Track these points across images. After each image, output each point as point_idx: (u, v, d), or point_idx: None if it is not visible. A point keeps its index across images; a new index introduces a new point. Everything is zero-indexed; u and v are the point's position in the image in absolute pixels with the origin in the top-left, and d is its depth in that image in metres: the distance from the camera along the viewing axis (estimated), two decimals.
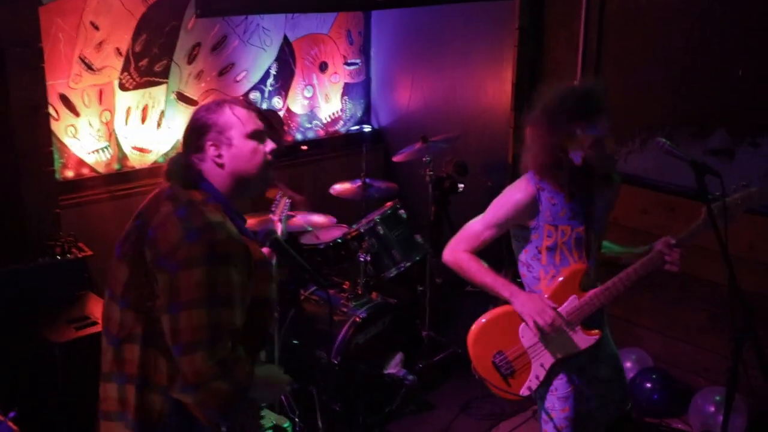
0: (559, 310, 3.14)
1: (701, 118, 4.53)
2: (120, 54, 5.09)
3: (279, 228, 3.18)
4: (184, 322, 2.24)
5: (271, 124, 5.15)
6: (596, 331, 3.20)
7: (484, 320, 3.27)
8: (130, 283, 2.38)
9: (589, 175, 3.05)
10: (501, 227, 3.18)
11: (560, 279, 3.16)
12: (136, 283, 2.36)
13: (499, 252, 3.49)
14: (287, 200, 3.33)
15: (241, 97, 5.59)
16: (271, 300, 2.58)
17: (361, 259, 4.67)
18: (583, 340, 3.19)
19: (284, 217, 3.45)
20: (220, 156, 2.44)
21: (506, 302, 3.20)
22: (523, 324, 3.19)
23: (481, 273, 3.17)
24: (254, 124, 2.49)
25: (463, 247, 3.20)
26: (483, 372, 3.25)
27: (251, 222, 3.05)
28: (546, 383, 3.24)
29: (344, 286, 4.80)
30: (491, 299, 3.34)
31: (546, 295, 3.17)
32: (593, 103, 3.01)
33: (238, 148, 2.45)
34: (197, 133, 2.46)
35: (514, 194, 3.14)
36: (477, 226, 3.20)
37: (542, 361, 3.21)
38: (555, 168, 3.04)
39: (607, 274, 3.22)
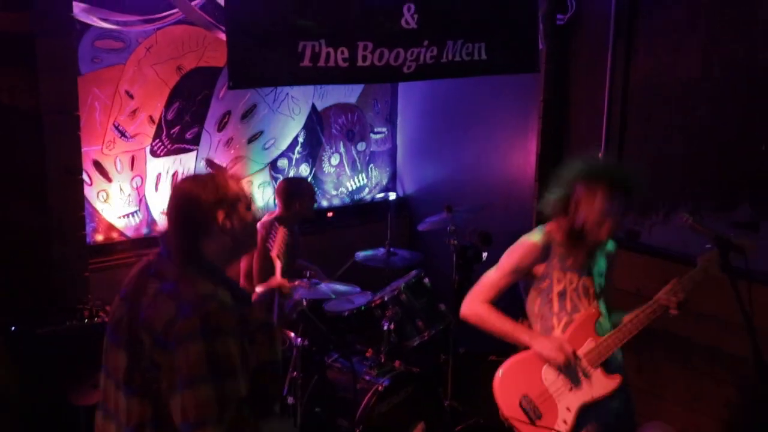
0: (577, 352, 3.26)
1: (725, 192, 4.54)
2: (153, 121, 5.23)
3: (278, 266, 3.16)
4: (190, 400, 2.22)
5: (303, 192, 5.25)
6: (617, 375, 3.30)
7: (507, 365, 3.36)
8: (132, 368, 2.34)
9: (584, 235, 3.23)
10: (515, 273, 3.34)
11: (575, 324, 3.29)
12: (139, 367, 2.32)
13: (514, 308, 3.58)
14: (285, 231, 3.31)
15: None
16: (276, 362, 2.57)
17: (385, 328, 4.68)
18: (605, 384, 3.27)
19: (282, 251, 3.38)
20: (229, 228, 2.46)
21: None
22: (546, 366, 3.28)
23: (500, 322, 3.32)
24: (249, 194, 2.56)
25: (481, 299, 3.35)
26: (512, 417, 3.29)
27: (260, 288, 3.06)
28: (576, 429, 3.29)
29: (367, 354, 4.80)
30: None
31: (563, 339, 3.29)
32: (621, 181, 3.16)
33: (243, 220, 2.51)
34: (204, 208, 2.44)
35: (526, 239, 3.35)
36: (493, 276, 3.37)
37: (567, 404, 3.27)
38: (563, 218, 3.24)
39: None
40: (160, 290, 2.34)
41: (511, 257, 3.34)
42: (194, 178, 2.54)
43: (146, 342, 2.29)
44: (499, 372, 3.35)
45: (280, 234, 3.31)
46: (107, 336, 2.46)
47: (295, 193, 5.26)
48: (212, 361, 2.23)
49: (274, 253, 3.22)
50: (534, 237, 3.33)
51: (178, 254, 2.42)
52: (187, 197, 2.46)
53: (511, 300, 3.47)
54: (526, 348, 3.33)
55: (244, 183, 2.62)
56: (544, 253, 3.30)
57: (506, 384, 3.33)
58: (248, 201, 2.54)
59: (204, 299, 2.29)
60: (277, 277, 3.07)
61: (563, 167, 3.32)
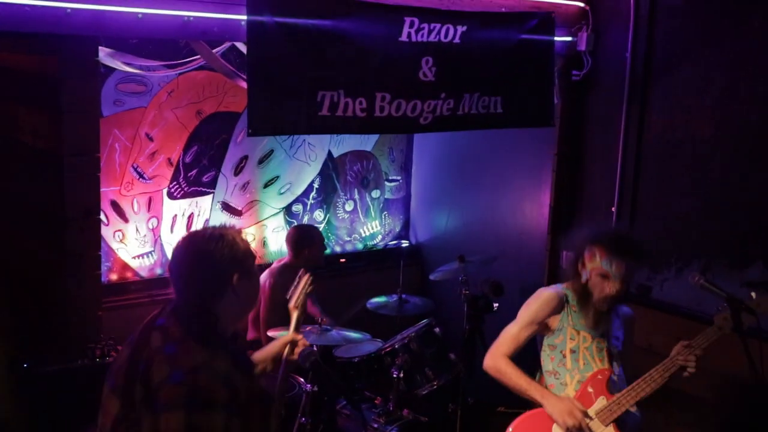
0: (589, 410, 3.29)
1: (738, 250, 4.56)
2: (171, 164, 5.31)
3: (294, 316, 3.11)
4: None
5: (313, 239, 5.29)
6: None
7: (518, 422, 3.41)
8: (121, 418, 2.29)
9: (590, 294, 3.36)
10: (533, 325, 3.46)
11: (586, 382, 3.34)
12: (127, 419, 2.28)
13: (531, 365, 3.63)
14: (307, 282, 3.24)
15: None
16: None
17: (394, 375, 4.68)
18: None
19: (300, 302, 3.31)
20: (242, 287, 2.42)
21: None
22: (555, 425, 3.30)
23: (516, 376, 3.41)
24: (254, 251, 2.53)
25: (503, 351, 3.45)
26: None
27: (276, 344, 3.01)
28: None
29: (376, 402, 4.79)
30: None
31: (575, 397, 3.32)
32: (621, 245, 3.29)
33: (255, 278, 2.53)
34: (220, 267, 2.39)
35: (543, 291, 3.53)
36: (512, 329, 3.48)
37: None
38: (574, 277, 3.40)
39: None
40: (159, 349, 2.29)
41: (529, 309, 3.48)
42: (206, 236, 2.44)
43: (138, 396, 2.25)
44: (510, 429, 3.39)
45: (302, 284, 3.22)
46: (107, 379, 2.42)
47: (305, 241, 5.30)
48: None
49: (292, 305, 3.15)
50: (550, 289, 3.50)
51: (190, 314, 2.37)
52: (202, 255, 2.39)
53: (530, 360, 3.58)
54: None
55: (248, 238, 2.60)
56: (559, 304, 3.43)
57: None
58: (254, 258, 2.52)
59: (196, 369, 2.23)
60: (291, 332, 3.04)
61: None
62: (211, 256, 2.37)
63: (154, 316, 2.43)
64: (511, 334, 3.48)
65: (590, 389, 3.33)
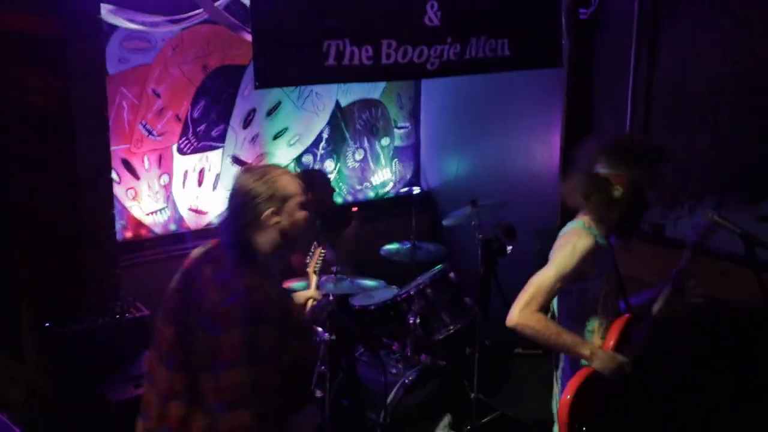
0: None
1: (751, 185, 4.54)
2: (179, 120, 5.30)
3: (314, 281, 3.35)
4: (227, 381, 2.37)
5: (315, 181, 5.30)
6: None
7: (573, 386, 3.12)
8: (176, 342, 2.51)
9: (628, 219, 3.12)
10: (569, 278, 3.07)
11: (616, 332, 3.15)
12: (183, 343, 2.49)
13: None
14: (321, 251, 3.47)
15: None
16: (310, 362, 2.72)
17: (411, 321, 4.72)
18: None
19: (317, 268, 3.55)
20: (278, 223, 2.58)
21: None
22: None
23: (557, 333, 3.05)
24: (304, 193, 2.68)
25: (535, 307, 3.04)
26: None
27: (299, 297, 3.20)
28: None
29: (393, 348, 4.85)
30: (540, 362, 3.32)
31: (611, 348, 3.14)
32: (654, 155, 3.13)
33: (294, 217, 2.62)
34: (255, 202, 2.57)
35: (579, 242, 3.09)
36: (548, 281, 3.06)
37: None
38: (597, 207, 3.11)
39: None
40: (213, 277, 2.50)
41: (567, 261, 3.06)
42: (251, 172, 2.64)
43: (193, 321, 2.46)
44: (568, 397, 3.10)
45: (318, 253, 3.36)
46: (160, 309, 2.62)
47: (307, 184, 5.29)
48: (250, 347, 2.37)
49: (311, 269, 3.33)
50: (585, 238, 3.11)
51: (232, 244, 2.56)
52: (241, 190, 2.59)
53: None
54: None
55: (299, 181, 2.69)
56: (596, 252, 3.10)
57: (574, 412, 3.12)
58: (301, 199, 2.65)
59: (250, 290, 2.43)
60: (312, 290, 3.26)
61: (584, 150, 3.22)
62: (249, 190, 2.57)
63: (206, 251, 2.64)
64: (547, 287, 3.05)
65: (621, 338, 3.14)
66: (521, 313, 3.03)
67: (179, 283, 2.62)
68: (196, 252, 2.68)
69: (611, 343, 3.15)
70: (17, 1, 3.93)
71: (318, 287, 3.32)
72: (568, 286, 3.12)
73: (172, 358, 2.52)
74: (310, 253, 3.46)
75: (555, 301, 3.24)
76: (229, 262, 2.52)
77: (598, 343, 3.16)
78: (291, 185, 2.64)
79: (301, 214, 2.65)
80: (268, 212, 2.56)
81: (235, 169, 5.62)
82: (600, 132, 5.36)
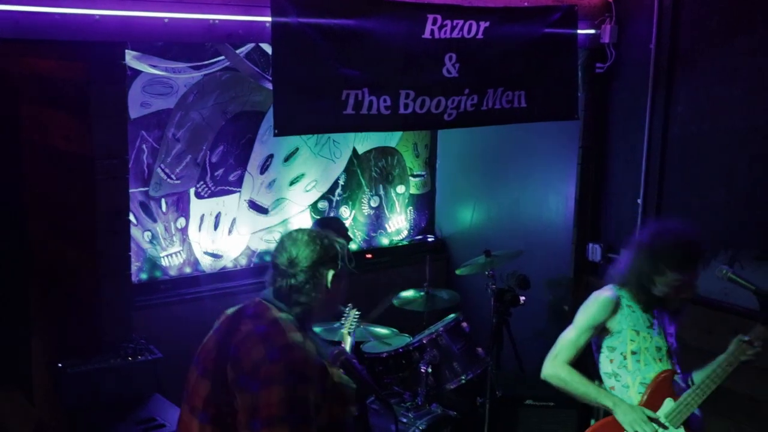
0: (658, 413, 3.27)
1: (766, 240, 4.53)
2: (198, 164, 5.36)
3: (349, 342, 3.35)
4: None
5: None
6: None
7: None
8: (212, 398, 2.49)
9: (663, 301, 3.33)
10: (591, 330, 3.38)
11: (653, 385, 3.29)
12: (218, 399, 2.47)
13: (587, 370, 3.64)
14: (356, 312, 3.49)
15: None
16: (348, 423, 2.67)
17: (422, 370, 4.71)
18: None
19: (353, 329, 3.59)
20: (335, 284, 2.62)
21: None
22: None
23: (582, 384, 3.35)
24: (349, 252, 2.72)
25: (562, 359, 3.38)
26: None
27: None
28: None
29: (405, 396, 4.82)
30: (550, 414, 3.39)
31: (642, 403, 3.29)
32: (694, 257, 3.26)
33: (345, 278, 2.68)
34: (323, 261, 2.59)
35: (598, 295, 3.43)
36: (571, 335, 3.41)
37: None
38: (637, 288, 3.33)
39: None
40: (252, 331, 2.49)
41: (586, 313, 3.41)
42: (311, 233, 2.65)
43: (230, 377, 2.43)
44: None
45: (352, 314, 3.40)
46: (194, 363, 2.61)
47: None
48: (291, 405, 2.35)
49: (345, 330, 3.37)
50: (605, 291, 3.41)
51: (287, 298, 2.57)
52: (314, 245, 2.59)
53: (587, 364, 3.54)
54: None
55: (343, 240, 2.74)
56: (616, 306, 3.37)
57: None
58: (351, 258, 2.70)
59: (292, 347, 2.42)
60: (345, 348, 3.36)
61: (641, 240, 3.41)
62: (312, 252, 2.58)
63: (243, 307, 2.63)
64: (570, 340, 3.40)
65: (656, 393, 3.29)
66: (549, 365, 3.40)
67: (216, 339, 2.60)
68: (231, 310, 2.68)
69: (644, 398, 3.30)
70: (45, 45, 4.01)
71: (350, 348, 3.38)
72: (593, 340, 3.43)
73: (206, 413, 2.51)
74: (345, 314, 3.48)
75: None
76: (271, 318, 2.52)
77: (633, 397, 3.32)
78: (338, 249, 2.67)
79: (346, 277, 2.70)
80: (330, 275, 2.60)
81: (252, 214, 5.69)
82: (616, 185, 5.38)
